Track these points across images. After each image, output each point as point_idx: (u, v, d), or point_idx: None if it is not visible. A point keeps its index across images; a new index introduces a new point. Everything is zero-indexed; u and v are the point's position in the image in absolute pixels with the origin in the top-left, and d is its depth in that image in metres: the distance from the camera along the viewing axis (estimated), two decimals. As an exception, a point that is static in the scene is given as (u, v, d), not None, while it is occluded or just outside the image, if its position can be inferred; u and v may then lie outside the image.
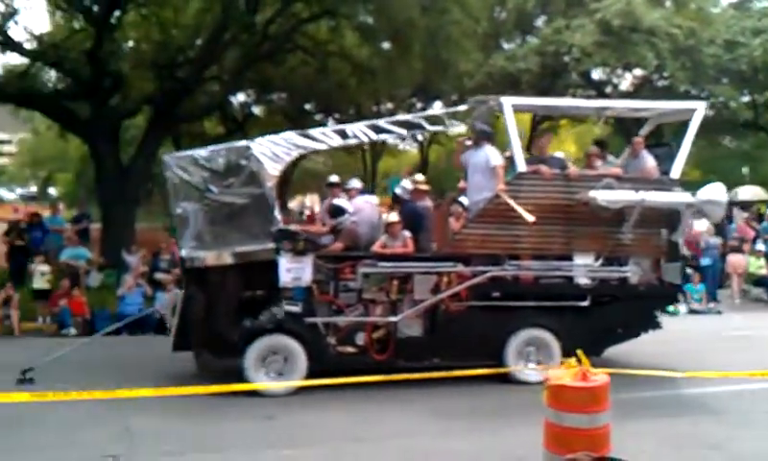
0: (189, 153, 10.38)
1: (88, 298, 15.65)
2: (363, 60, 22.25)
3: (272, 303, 9.95)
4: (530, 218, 9.73)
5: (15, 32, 20.96)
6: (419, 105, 29.30)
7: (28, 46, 21.29)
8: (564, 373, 5.89)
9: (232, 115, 28.99)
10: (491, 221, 10.13)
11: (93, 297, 16.08)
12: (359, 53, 22.51)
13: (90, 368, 11.01)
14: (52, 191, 59.32)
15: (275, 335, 9.80)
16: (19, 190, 77.55)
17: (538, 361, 10.25)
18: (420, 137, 35.93)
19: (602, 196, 10.03)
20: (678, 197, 10.39)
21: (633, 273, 10.64)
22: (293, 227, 10.33)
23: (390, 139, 23.94)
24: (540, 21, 29.61)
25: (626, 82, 30.68)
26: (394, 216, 10.58)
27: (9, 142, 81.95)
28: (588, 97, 25.22)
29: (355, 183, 12.42)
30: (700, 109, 10.89)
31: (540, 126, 27.79)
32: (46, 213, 20.22)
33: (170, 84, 20.83)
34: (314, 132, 10.68)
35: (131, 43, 23.51)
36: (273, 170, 9.98)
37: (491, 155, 10.36)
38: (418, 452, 7.53)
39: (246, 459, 7.49)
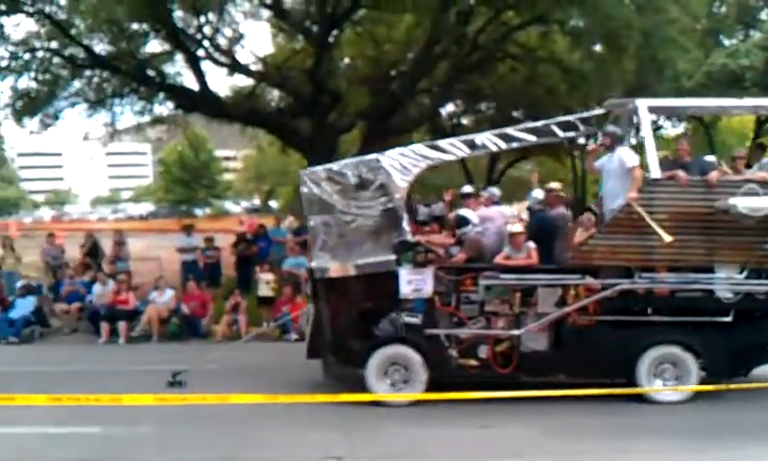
0: (322, 167, 10.51)
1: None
2: (574, 64, 21.79)
3: (393, 314, 9.91)
4: (667, 238, 9.12)
5: (242, 55, 22.52)
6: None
7: (253, 68, 22.81)
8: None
9: (441, 127, 29.38)
10: (622, 231, 9.52)
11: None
12: (570, 57, 22.07)
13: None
14: (273, 204, 62.90)
15: (395, 346, 9.86)
16: (244, 203, 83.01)
17: (674, 380, 9.68)
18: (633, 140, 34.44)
19: (743, 203, 9.15)
20: None
21: None
22: (416, 238, 10.11)
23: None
24: (763, 14, 27.72)
25: None
26: (517, 227, 10.29)
27: (234, 159, 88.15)
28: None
29: (494, 192, 12.19)
30: None
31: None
32: (269, 224, 21.40)
33: (383, 98, 21.47)
34: (442, 142, 10.58)
35: (346, 60, 24.50)
36: (401, 182, 9.96)
37: (625, 157, 9.79)
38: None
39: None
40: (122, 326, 15.48)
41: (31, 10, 19.14)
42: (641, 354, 9.62)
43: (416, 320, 9.81)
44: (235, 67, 22.15)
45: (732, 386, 9.48)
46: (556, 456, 7.96)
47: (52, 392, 8.81)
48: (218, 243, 19.11)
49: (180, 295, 16.38)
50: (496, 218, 11.11)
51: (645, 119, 9.84)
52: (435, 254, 10.22)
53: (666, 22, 19.35)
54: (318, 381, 10.34)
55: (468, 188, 12.20)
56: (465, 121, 31.21)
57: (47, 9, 19.20)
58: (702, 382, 9.59)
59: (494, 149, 10.94)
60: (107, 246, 19.32)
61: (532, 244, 10.05)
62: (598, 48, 20.86)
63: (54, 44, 20.46)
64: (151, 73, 21.40)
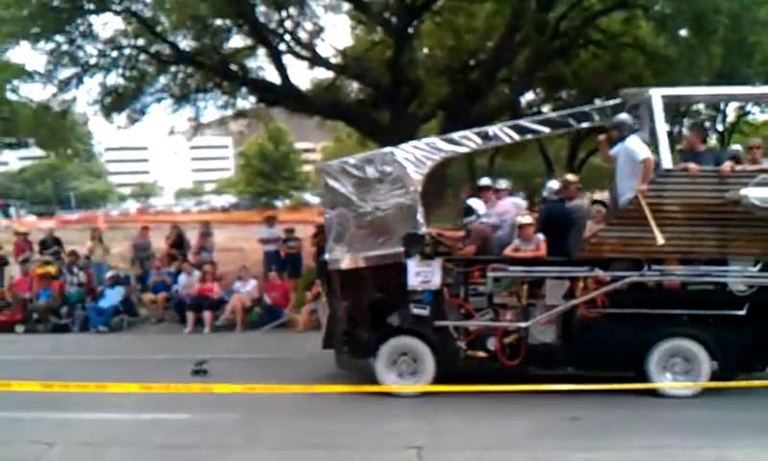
0: (339, 160, 10.64)
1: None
2: (659, 49, 21.22)
3: (402, 305, 9.97)
4: (660, 240, 8.95)
5: (322, 48, 22.71)
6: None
7: (333, 61, 22.98)
8: None
9: (521, 115, 29.03)
10: (632, 223, 9.30)
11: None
12: (654, 43, 21.51)
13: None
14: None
15: (403, 337, 9.95)
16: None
17: (685, 374, 9.49)
18: (720, 127, 33.59)
19: (754, 194, 8.85)
20: None
21: None
22: (427, 231, 10.04)
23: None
24: None
25: None
26: (526, 218, 10.25)
27: (314, 150, 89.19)
28: None
29: (503, 184, 12.07)
30: None
31: None
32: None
33: (463, 87, 21.34)
34: (455, 135, 10.51)
35: (425, 50, 24.44)
36: (415, 175, 9.98)
37: (637, 148, 9.56)
38: None
39: (550, 458, 7.52)
40: (207, 315, 15.87)
41: (118, 8, 19.67)
42: (651, 348, 9.49)
43: (424, 311, 9.87)
44: (316, 60, 22.34)
45: (756, 383, 9.16)
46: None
47: (142, 380, 9.11)
48: (298, 234, 19.34)
49: (263, 285, 16.68)
50: (510, 210, 11.15)
51: (658, 109, 9.61)
52: (446, 247, 10.35)
53: (755, 4, 18.65)
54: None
55: (485, 180, 12.16)
56: (545, 109, 30.80)
57: (134, 7, 19.69)
58: (716, 377, 9.37)
59: (508, 140, 10.89)
60: (191, 237, 19.78)
61: (541, 236, 10.05)
62: (684, 33, 20.26)
63: (140, 41, 21.00)
64: (233, 68, 21.78)
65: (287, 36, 21.03)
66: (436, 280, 9.79)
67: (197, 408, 9.37)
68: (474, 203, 10.86)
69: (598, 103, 11.39)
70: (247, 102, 24.31)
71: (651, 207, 9.14)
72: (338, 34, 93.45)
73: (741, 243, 9.22)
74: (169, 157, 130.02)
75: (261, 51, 21.84)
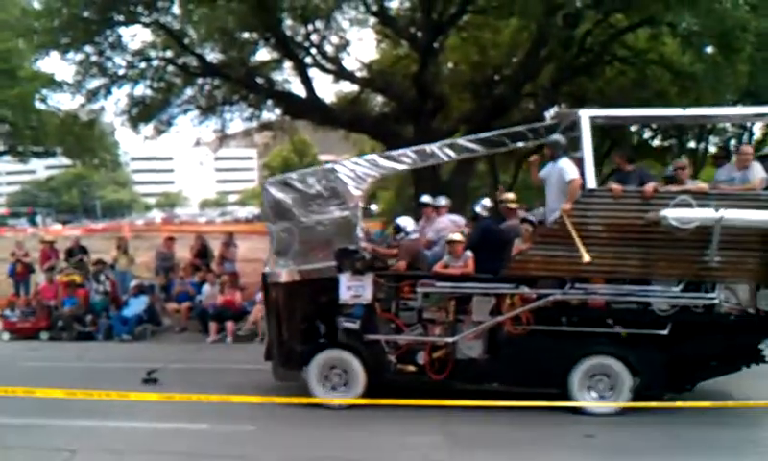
0: (283, 176, 10.90)
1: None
2: (684, 66, 21.14)
3: (334, 319, 10.12)
4: (586, 258, 9.03)
5: (348, 62, 22.85)
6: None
7: (359, 74, 23.09)
8: None
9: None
10: (557, 241, 9.37)
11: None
12: (680, 60, 21.43)
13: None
14: (374, 208, 63.38)
15: (334, 350, 10.10)
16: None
17: (608, 391, 9.54)
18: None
19: (673, 214, 8.99)
20: (766, 215, 8.93)
21: (721, 300, 9.40)
22: (362, 246, 10.22)
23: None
24: None
25: None
26: (456, 236, 10.29)
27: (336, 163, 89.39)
28: None
29: (442, 201, 12.21)
30: None
31: None
32: (374, 229, 21.58)
33: (487, 102, 21.35)
34: (395, 152, 10.77)
35: (450, 65, 24.50)
36: (355, 191, 10.24)
37: (566, 168, 9.66)
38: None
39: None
40: (229, 325, 15.95)
41: (147, 21, 19.93)
42: (574, 365, 9.51)
43: (354, 325, 10.00)
44: (341, 74, 22.46)
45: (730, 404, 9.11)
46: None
47: (163, 389, 9.19)
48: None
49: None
50: (448, 227, 11.24)
51: (586, 130, 9.67)
52: (382, 262, 10.63)
53: (783, 22, 18.55)
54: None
55: (425, 198, 12.33)
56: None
57: (162, 19, 19.95)
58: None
59: (445, 159, 11.07)
60: (215, 247, 19.91)
61: (470, 253, 10.13)
62: (710, 50, 20.18)
63: (168, 53, 21.28)
64: (260, 80, 21.94)
65: (313, 50, 21.17)
66: (367, 295, 9.95)
67: (215, 418, 9.43)
68: (403, 220, 11.16)
69: (534, 124, 11.52)
70: (272, 114, 24.46)
71: (576, 226, 9.24)
72: (364, 47, 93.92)
73: (664, 263, 9.30)
74: (194, 168, 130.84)
75: (287, 64, 22.02)
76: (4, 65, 33.62)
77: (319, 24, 20.44)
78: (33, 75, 33.09)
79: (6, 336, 16.76)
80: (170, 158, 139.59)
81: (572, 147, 10.11)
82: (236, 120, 24.57)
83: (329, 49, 21.69)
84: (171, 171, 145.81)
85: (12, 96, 33.26)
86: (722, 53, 19.02)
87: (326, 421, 9.49)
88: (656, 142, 31.95)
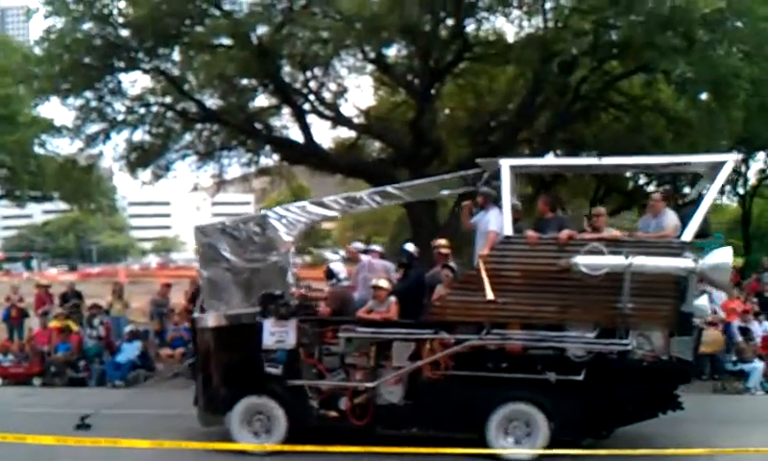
0: (216, 222, 11.17)
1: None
2: (679, 113, 21.34)
3: (257, 364, 10.08)
4: (489, 295, 9.19)
5: (345, 108, 22.99)
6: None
7: (356, 121, 23.27)
8: None
9: (540, 176, 29.08)
10: (474, 287, 9.44)
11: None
12: (675, 106, 21.64)
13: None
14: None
15: (256, 396, 10.04)
16: (342, 252, 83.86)
17: (526, 437, 9.45)
18: (741, 191, 33.62)
19: (583, 261, 9.08)
20: (675, 262, 9.08)
21: (635, 346, 9.33)
22: (294, 291, 10.44)
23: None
24: None
25: None
26: (382, 282, 10.39)
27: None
28: None
29: (376, 248, 12.71)
30: (729, 163, 9.64)
31: None
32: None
33: (483, 148, 21.41)
34: (326, 199, 11.04)
35: (447, 111, 24.68)
36: (286, 237, 10.40)
37: (491, 219, 9.99)
38: None
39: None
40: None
41: (147, 67, 20.11)
42: (492, 411, 9.46)
43: (277, 370, 9.99)
44: (339, 120, 22.61)
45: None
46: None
47: (154, 436, 9.08)
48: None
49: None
50: (380, 272, 11.37)
51: (506, 178, 9.85)
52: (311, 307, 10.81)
53: (777, 69, 18.76)
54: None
55: (357, 245, 12.96)
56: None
57: (162, 66, 20.14)
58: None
59: (374, 205, 11.43)
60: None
61: (392, 298, 10.20)
62: (704, 96, 20.39)
63: (167, 99, 21.44)
64: (258, 126, 22.10)
65: (311, 96, 21.35)
66: (290, 340, 9.97)
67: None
68: (336, 266, 11.51)
69: (462, 173, 11.92)
70: (270, 159, 24.58)
71: (493, 272, 9.37)
72: (361, 94, 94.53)
73: (579, 310, 9.33)
74: (191, 213, 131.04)
75: (286, 110, 22.19)
76: (4, 111, 33.85)
77: (317, 71, 20.65)
78: (32, 120, 33.30)
79: (-2, 382, 16.61)
80: (167, 203, 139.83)
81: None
82: (234, 165, 24.70)
83: (327, 96, 21.87)
84: (168, 216, 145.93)
85: (11, 141, 33.43)
86: (716, 99, 19.23)
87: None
88: (650, 188, 32.16)
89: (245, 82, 20.32)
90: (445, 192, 11.88)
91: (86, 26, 19.05)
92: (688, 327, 9.43)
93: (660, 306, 9.24)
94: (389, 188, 11.46)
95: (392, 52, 21.21)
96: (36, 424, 10.73)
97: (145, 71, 20.40)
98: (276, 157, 24.13)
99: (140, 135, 22.25)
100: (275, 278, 10.29)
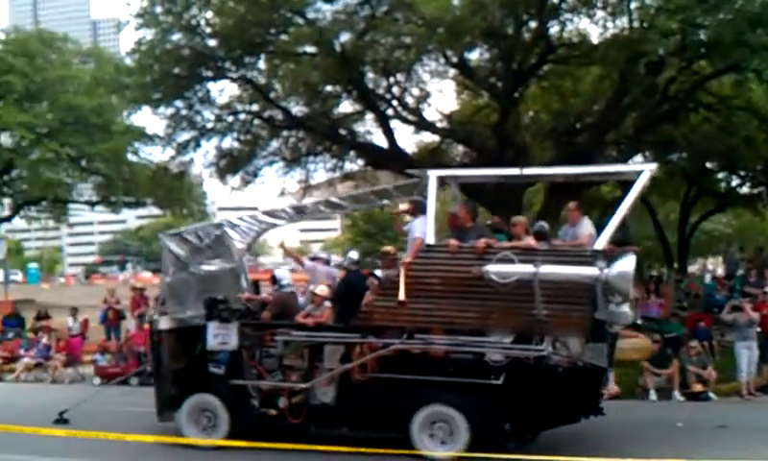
0: (178, 230, 11.99)
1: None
2: (772, 112, 20.69)
3: (203, 365, 10.69)
4: (401, 297, 9.44)
5: (428, 113, 23.05)
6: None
7: (439, 125, 23.31)
8: None
9: (629, 181, 28.46)
10: (398, 294, 9.58)
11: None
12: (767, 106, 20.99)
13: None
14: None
15: (202, 394, 10.48)
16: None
17: (448, 438, 9.57)
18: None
19: (494, 269, 9.26)
20: (581, 271, 9.14)
21: (551, 352, 9.40)
22: (243, 296, 11.27)
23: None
24: None
25: None
26: (320, 288, 10.90)
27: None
28: None
29: (322, 255, 13.31)
30: (646, 172, 9.83)
31: None
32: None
33: (569, 151, 21.17)
34: (276, 209, 11.94)
35: (531, 114, 24.50)
36: (240, 244, 11.29)
37: (418, 227, 10.17)
38: None
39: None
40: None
41: (235, 76, 20.66)
42: (415, 412, 9.63)
43: (220, 371, 10.58)
44: (422, 125, 22.70)
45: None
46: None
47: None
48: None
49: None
50: (322, 278, 11.79)
51: (432, 189, 10.06)
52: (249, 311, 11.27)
53: None
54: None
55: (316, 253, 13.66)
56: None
57: (249, 74, 20.66)
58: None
59: (319, 214, 12.41)
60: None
61: (328, 304, 10.76)
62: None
63: (254, 107, 21.99)
64: (342, 132, 22.41)
65: (394, 102, 21.51)
66: (233, 342, 10.45)
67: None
68: (279, 272, 12.02)
69: (399, 182, 12.55)
70: (354, 164, 24.86)
71: (417, 279, 9.60)
72: (444, 98, 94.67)
73: (497, 316, 9.46)
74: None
75: (369, 116, 22.43)
76: (98, 120, 35.31)
77: (400, 77, 20.78)
78: (125, 129, 34.62)
79: (97, 381, 17.26)
80: (255, 208, 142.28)
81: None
82: (320, 170, 25.10)
83: (410, 100, 22.00)
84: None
85: (106, 149, 34.84)
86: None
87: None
88: (744, 189, 31.20)
89: (329, 88, 20.62)
90: (384, 202, 12.42)
91: (175, 37, 19.74)
92: (602, 334, 9.53)
93: (572, 313, 9.29)
94: (333, 199, 12.29)
95: (474, 56, 21.18)
96: (134, 422, 11.18)
97: (232, 80, 20.97)
98: (360, 161, 24.41)
99: (229, 143, 22.93)
100: (229, 283, 11.20)
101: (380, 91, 21.12)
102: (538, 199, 25.21)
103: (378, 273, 11.24)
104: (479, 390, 9.57)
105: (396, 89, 21.20)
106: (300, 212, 12.09)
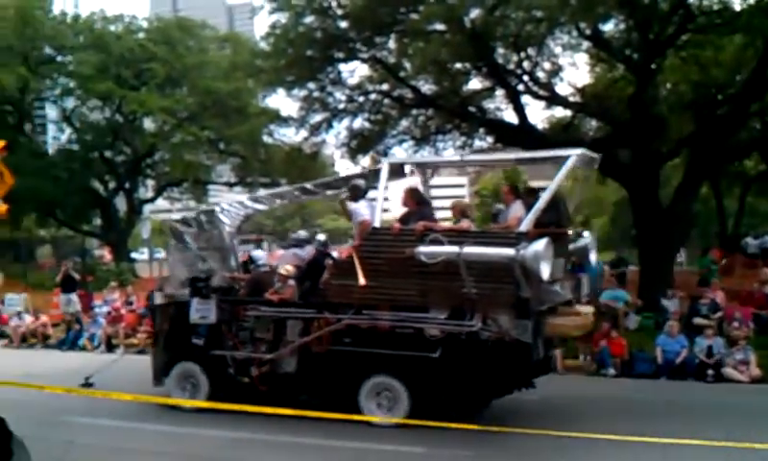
0: (182, 215, 13.68)
1: (627, 339, 15.80)
2: None
3: (187, 336, 12.00)
4: (362, 281, 10.32)
5: (560, 87, 22.57)
6: None
7: (571, 99, 22.81)
8: None
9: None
10: (349, 273, 10.58)
11: (632, 338, 16.23)
12: None
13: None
14: (586, 235, 61.84)
15: (185, 363, 11.98)
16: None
17: (393, 406, 10.58)
18: None
19: (424, 250, 9.99)
20: (498, 251, 9.68)
21: (480, 327, 10.05)
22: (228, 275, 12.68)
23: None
24: None
25: None
26: (286, 267, 11.97)
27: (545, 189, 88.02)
28: None
29: (301, 234, 14.02)
30: (573, 158, 10.26)
31: None
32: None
33: (709, 123, 20.31)
34: (258, 195, 13.54)
35: (668, 86, 23.59)
36: (230, 228, 12.79)
37: (358, 211, 11.39)
38: None
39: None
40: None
41: (365, 56, 20.92)
42: (363, 382, 10.73)
43: (200, 342, 11.87)
44: (554, 100, 22.28)
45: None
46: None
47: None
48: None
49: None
50: (288, 258, 12.75)
51: (383, 176, 11.39)
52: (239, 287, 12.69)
53: None
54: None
55: (301, 233, 14.40)
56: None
57: (379, 54, 20.86)
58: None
59: (295, 200, 14.30)
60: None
61: (291, 282, 11.78)
62: None
63: (384, 87, 22.19)
64: (472, 109, 22.29)
65: (525, 77, 21.15)
66: (212, 316, 11.78)
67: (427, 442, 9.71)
68: (256, 253, 14.20)
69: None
70: (484, 142, 24.64)
71: (364, 260, 10.49)
72: (576, 72, 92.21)
73: (435, 294, 10.24)
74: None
75: (499, 92, 22.23)
76: (235, 103, 36.58)
77: (531, 51, 20.41)
78: (261, 111, 35.64)
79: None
80: (385, 187, 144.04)
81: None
82: (449, 148, 25.06)
83: (542, 75, 21.61)
84: (386, 199, 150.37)
85: (242, 132, 36.04)
86: None
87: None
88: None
89: (458, 66, 20.55)
90: (334, 192, 13.30)
91: (308, 20, 20.21)
92: (526, 312, 9.91)
93: (498, 292, 9.85)
94: (307, 185, 13.67)
95: (608, 27, 20.59)
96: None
97: (363, 60, 21.24)
98: (489, 138, 24.18)
99: (360, 123, 23.27)
100: (220, 261, 12.69)
101: (511, 67, 20.81)
102: (676, 174, 24.43)
103: (335, 254, 12.94)
104: (419, 362, 10.40)
105: (526, 64, 20.84)
106: (278, 197, 14.22)
